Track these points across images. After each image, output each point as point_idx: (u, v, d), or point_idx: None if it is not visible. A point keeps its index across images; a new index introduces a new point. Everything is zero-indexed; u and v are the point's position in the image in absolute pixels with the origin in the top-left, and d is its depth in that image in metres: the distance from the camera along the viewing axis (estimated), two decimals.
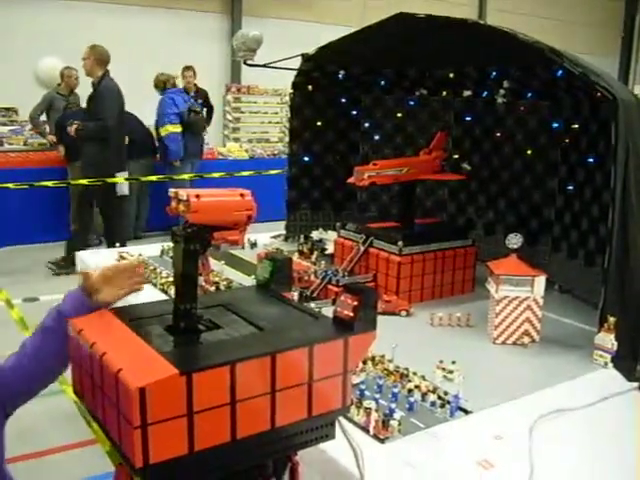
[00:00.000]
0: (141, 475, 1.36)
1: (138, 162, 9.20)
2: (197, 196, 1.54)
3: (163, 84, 9.25)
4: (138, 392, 1.29)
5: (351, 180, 3.76)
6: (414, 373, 2.58)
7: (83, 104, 8.65)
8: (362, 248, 3.70)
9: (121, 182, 7.72)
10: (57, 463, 3.76)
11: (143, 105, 9.45)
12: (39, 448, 3.84)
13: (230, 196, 1.60)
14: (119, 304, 1.76)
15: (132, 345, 1.47)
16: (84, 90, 8.75)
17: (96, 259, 4.35)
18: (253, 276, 1.85)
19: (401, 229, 3.75)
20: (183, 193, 1.55)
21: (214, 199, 1.58)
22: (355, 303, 1.53)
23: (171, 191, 1.60)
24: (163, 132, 9.10)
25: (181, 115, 9.28)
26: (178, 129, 9.19)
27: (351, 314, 1.53)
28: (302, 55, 4.62)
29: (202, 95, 11.10)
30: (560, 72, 3.64)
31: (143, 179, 8.88)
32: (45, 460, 3.77)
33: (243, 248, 4.54)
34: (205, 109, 10.43)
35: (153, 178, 8.79)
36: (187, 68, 10.65)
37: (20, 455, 3.60)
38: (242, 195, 1.60)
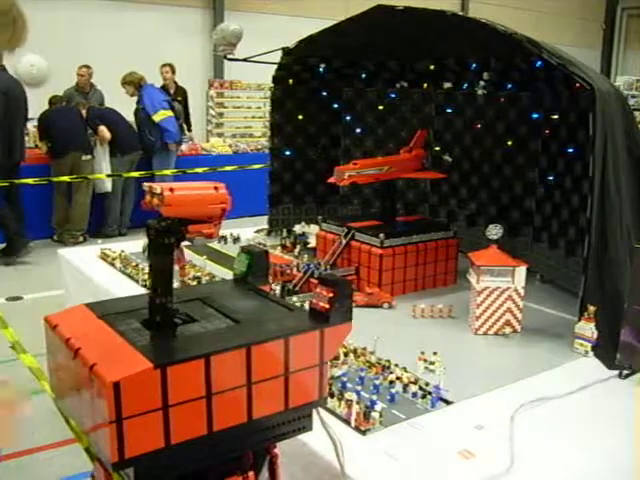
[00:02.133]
0: (117, 470, 1.35)
1: (122, 158, 9.19)
2: (171, 189, 1.53)
3: (138, 81, 9.35)
4: (112, 386, 1.29)
5: (332, 180, 3.78)
6: (396, 365, 2.58)
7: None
8: (344, 241, 3.70)
9: (103, 179, 7.69)
10: (37, 462, 3.73)
11: (124, 101, 9.47)
12: (20, 447, 3.81)
13: (204, 189, 1.59)
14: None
15: (107, 340, 1.46)
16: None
17: (78, 256, 4.33)
18: None
19: (382, 227, 3.75)
20: (157, 187, 1.54)
21: (188, 192, 1.57)
22: (330, 295, 1.53)
23: (145, 185, 1.59)
24: (159, 117, 9.18)
25: (169, 102, 9.48)
26: (171, 113, 9.34)
27: (326, 306, 1.53)
28: (282, 49, 4.60)
29: (181, 93, 11.14)
30: (539, 63, 3.65)
31: (125, 175, 8.87)
32: (25, 460, 3.74)
33: (226, 242, 4.56)
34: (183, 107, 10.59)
35: (136, 174, 8.77)
36: (164, 65, 10.72)
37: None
38: (216, 188, 1.59)
